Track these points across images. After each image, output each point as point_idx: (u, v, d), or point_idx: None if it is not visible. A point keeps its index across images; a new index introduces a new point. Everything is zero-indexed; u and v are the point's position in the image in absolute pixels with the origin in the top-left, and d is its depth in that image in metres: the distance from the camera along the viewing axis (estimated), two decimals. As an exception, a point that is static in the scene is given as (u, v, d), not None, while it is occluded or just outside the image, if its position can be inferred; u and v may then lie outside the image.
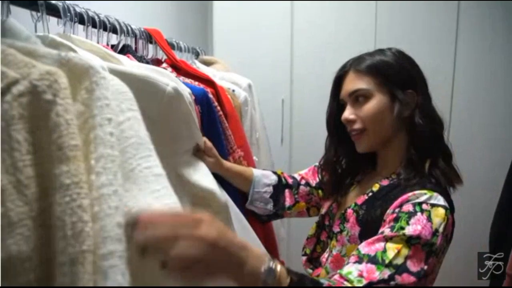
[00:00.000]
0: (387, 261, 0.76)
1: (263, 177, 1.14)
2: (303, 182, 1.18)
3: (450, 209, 0.83)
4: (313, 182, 1.18)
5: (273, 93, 2.14)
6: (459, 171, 0.94)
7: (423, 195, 0.82)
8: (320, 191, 1.17)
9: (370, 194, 0.93)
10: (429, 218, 0.79)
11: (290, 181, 1.18)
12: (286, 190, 1.16)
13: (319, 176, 1.14)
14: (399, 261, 0.76)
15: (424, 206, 0.81)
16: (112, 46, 0.99)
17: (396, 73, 0.92)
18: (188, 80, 1.05)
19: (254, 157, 1.45)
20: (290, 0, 2.11)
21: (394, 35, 2.06)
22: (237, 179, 1.10)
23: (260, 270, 0.60)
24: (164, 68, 1.08)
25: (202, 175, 0.89)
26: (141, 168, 0.57)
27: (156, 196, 0.56)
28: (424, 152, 0.90)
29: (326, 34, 2.13)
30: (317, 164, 1.18)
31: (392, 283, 0.75)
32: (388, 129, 0.92)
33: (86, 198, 0.49)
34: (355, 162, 1.05)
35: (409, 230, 0.78)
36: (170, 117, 0.79)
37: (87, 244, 0.47)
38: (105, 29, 0.94)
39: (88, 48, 0.78)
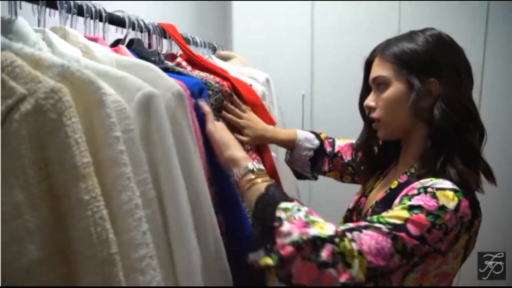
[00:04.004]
0: (382, 220, 0.74)
1: (306, 141, 1.19)
2: (339, 154, 1.21)
3: (466, 194, 0.77)
4: (346, 158, 1.20)
5: (293, 88, 2.11)
6: (492, 172, 0.86)
7: (429, 181, 0.79)
8: (350, 168, 1.19)
9: (388, 191, 0.89)
10: (433, 196, 0.75)
11: (328, 149, 1.21)
12: (325, 157, 1.21)
13: (354, 157, 1.16)
14: (398, 221, 0.73)
15: (428, 189, 0.77)
16: (119, 41, 0.98)
17: (417, 60, 0.86)
18: (204, 74, 1.03)
19: (273, 153, 1.42)
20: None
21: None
22: (282, 146, 1.21)
23: (241, 161, 0.85)
24: (179, 62, 1.06)
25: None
26: None
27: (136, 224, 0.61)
28: (440, 147, 0.83)
29: (348, 28, 2.09)
30: (353, 141, 1.18)
31: (384, 228, 0.72)
32: (403, 119, 0.88)
33: (105, 209, 0.55)
34: (387, 149, 1.03)
35: (411, 202, 0.75)
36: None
37: (114, 248, 0.55)
38: (111, 23, 0.94)
39: (74, 40, 0.77)
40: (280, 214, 0.74)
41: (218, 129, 0.89)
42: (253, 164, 0.85)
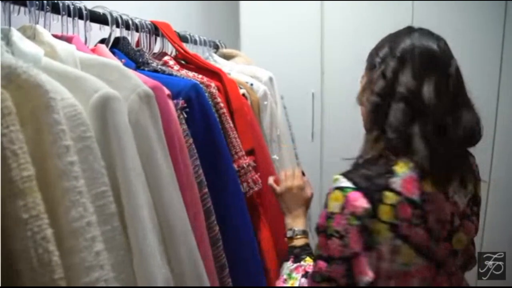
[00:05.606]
0: (315, 254, 0.82)
1: None
2: None
3: (359, 188, 0.71)
4: None
5: (302, 86, 2.04)
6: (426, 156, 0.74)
7: (334, 182, 0.77)
8: None
9: None
10: (326, 206, 0.76)
11: None
12: None
13: None
14: (317, 252, 0.79)
15: (328, 195, 0.76)
16: (104, 40, 0.93)
17: (370, 56, 0.85)
18: (191, 74, 0.98)
19: (275, 156, 1.36)
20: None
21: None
22: None
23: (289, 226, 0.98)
24: (166, 61, 1.01)
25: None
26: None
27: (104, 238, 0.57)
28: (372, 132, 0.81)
29: (358, 27, 2.01)
30: None
31: (315, 269, 0.78)
32: (365, 115, 0.86)
33: (49, 228, 0.49)
34: None
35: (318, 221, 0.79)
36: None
37: (58, 273, 0.48)
38: (94, 21, 0.89)
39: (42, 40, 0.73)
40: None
41: (279, 193, 1.02)
42: (292, 231, 0.97)
